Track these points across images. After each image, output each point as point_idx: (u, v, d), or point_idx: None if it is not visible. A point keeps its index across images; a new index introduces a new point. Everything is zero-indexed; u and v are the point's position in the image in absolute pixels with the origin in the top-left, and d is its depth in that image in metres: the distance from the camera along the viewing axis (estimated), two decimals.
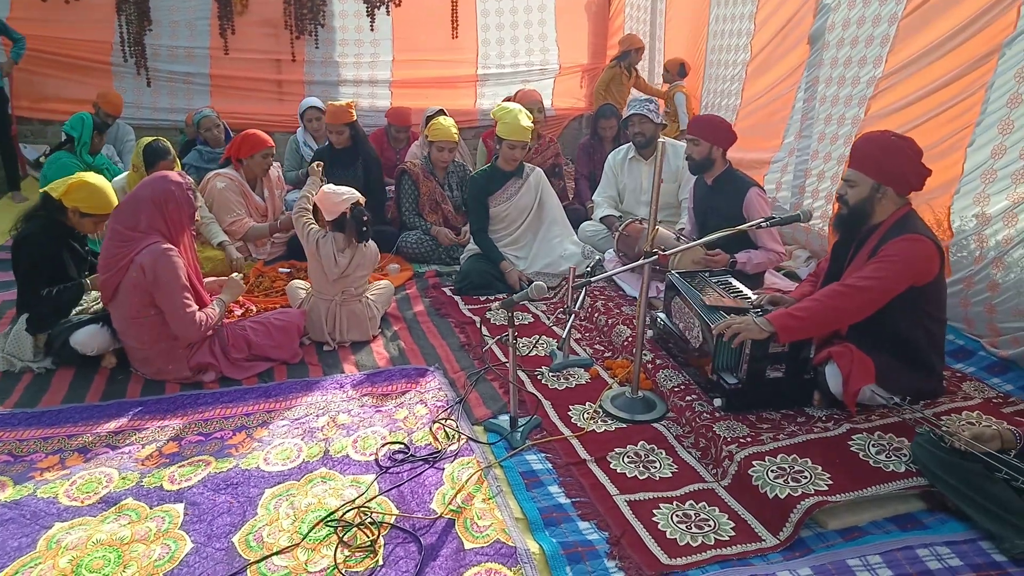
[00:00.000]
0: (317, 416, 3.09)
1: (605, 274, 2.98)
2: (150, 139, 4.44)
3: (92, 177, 3.55)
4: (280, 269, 4.72)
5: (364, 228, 3.74)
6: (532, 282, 4.42)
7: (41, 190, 3.58)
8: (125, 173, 4.62)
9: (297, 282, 4.05)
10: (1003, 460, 2.32)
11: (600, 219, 4.97)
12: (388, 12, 7.58)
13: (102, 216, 3.48)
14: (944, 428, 2.55)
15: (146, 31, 7.11)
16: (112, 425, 3.00)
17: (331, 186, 3.84)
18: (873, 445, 2.71)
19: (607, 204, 5.04)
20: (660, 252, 2.93)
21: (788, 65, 5.17)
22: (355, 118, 5.18)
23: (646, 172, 4.94)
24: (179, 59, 7.26)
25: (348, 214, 3.72)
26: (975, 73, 3.61)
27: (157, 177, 3.35)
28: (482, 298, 4.39)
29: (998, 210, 3.49)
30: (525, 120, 4.36)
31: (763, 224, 3.07)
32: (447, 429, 3.01)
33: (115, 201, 3.51)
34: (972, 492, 2.41)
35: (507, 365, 3.49)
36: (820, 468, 2.60)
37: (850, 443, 2.74)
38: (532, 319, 4.13)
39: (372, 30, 7.60)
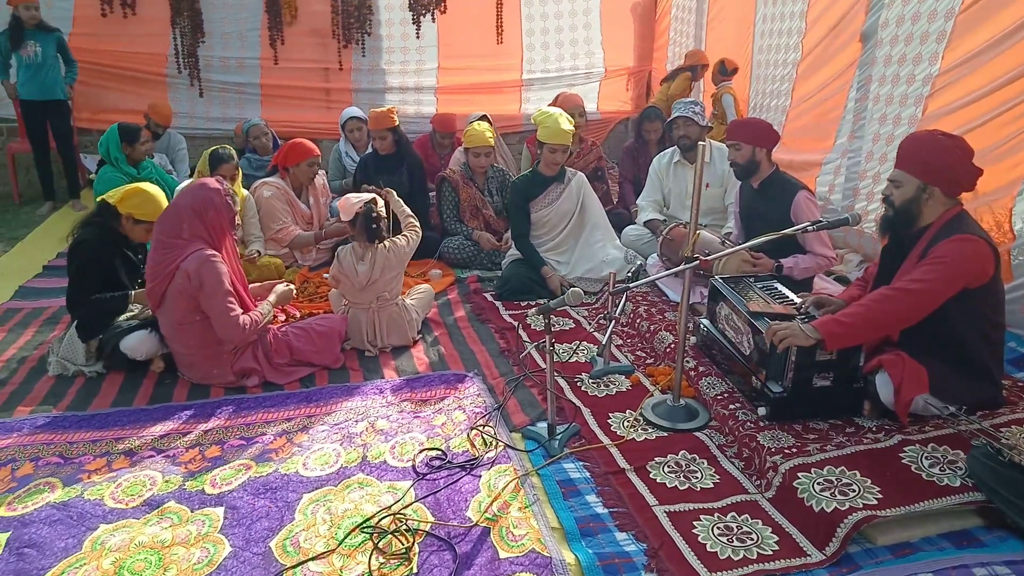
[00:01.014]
0: (356, 421, 3.10)
1: (646, 280, 2.92)
2: (216, 147, 4.58)
3: (147, 185, 3.66)
4: (324, 275, 4.76)
5: (375, 226, 3.72)
6: (572, 287, 4.43)
7: (98, 198, 3.69)
8: (188, 180, 4.74)
9: (334, 292, 4.08)
10: None
11: (644, 223, 4.91)
12: (433, 19, 7.63)
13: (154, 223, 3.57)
14: (1004, 440, 2.43)
15: (199, 43, 7.30)
16: (158, 429, 3.06)
17: (354, 194, 3.87)
18: (926, 458, 2.60)
19: (651, 208, 4.97)
20: (702, 257, 2.86)
21: (839, 64, 5.02)
22: (397, 123, 5.22)
23: (691, 176, 4.84)
24: (231, 70, 7.43)
25: (360, 213, 3.72)
26: None
27: (195, 185, 3.41)
28: (523, 303, 4.37)
29: None
30: (565, 124, 4.33)
31: (809, 228, 2.98)
32: (485, 436, 2.99)
33: (160, 205, 3.60)
34: None
35: (546, 371, 3.49)
36: (869, 481, 2.49)
37: (902, 455, 2.63)
38: (573, 324, 4.09)
39: (418, 37, 7.66)
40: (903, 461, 2.60)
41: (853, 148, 4.70)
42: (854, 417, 2.91)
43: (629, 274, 3.70)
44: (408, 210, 4.06)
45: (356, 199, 3.76)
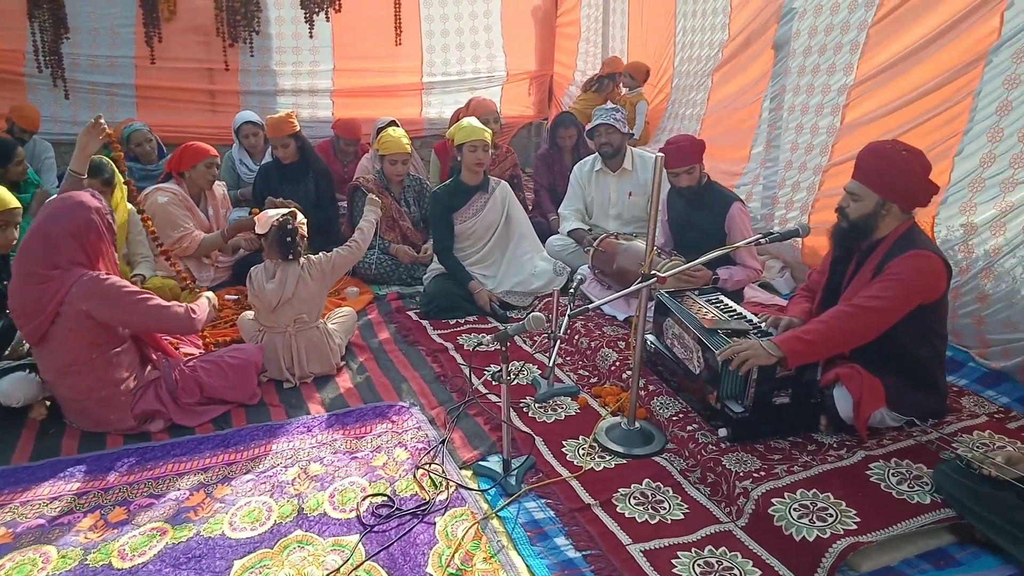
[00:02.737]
0: (286, 467, 2.76)
1: (603, 301, 2.74)
2: (97, 157, 4.02)
3: None
4: (227, 296, 4.33)
5: (288, 239, 3.39)
6: (501, 302, 4.24)
7: None
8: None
9: (249, 313, 3.68)
10: None
11: (568, 233, 4.75)
12: (327, 18, 7.22)
13: (2, 215, 3.06)
14: (970, 454, 2.42)
15: (63, 39, 6.56)
16: (46, 490, 2.60)
17: (274, 208, 3.52)
18: (893, 474, 2.56)
19: (574, 217, 4.82)
20: (659, 274, 2.71)
21: (754, 73, 5.07)
22: (298, 128, 4.84)
23: (614, 184, 4.74)
24: (101, 69, 6.72)
25: (274, 226, 3.39)
26: (960, 80, 3.53)
27: (70, 205, 2.88)
28: (451, 321, 4.11)
29: (985, 219, 3.42)
30: (479, 122, 4.16)
31: (763, 240, 2.90)
32: (433, 475, 2.72)
33: (9, 196, 3.09)
34: (1006, 523, 2.27)
35: (491, 398, 3.26)
36: (844, 504, 2.42)
37: (868, 472, 2.59)
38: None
39: (311, 37, 7.22)
40: (871, 479, 2.55)
41: (770, 157, 4.74)
42: (812, 433, 2.86)
43: (572, 290, 3.52)
44: (364, 222, 3.76)
45: (275, 212, 3.39)
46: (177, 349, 3.41)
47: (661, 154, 2.65)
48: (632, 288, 2.73)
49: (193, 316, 3.07)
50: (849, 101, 4.15)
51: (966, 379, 3.36)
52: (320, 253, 3.55)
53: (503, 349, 2.54)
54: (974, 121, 3.48)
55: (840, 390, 2.77)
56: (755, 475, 2.58)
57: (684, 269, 2.88)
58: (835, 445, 2.77)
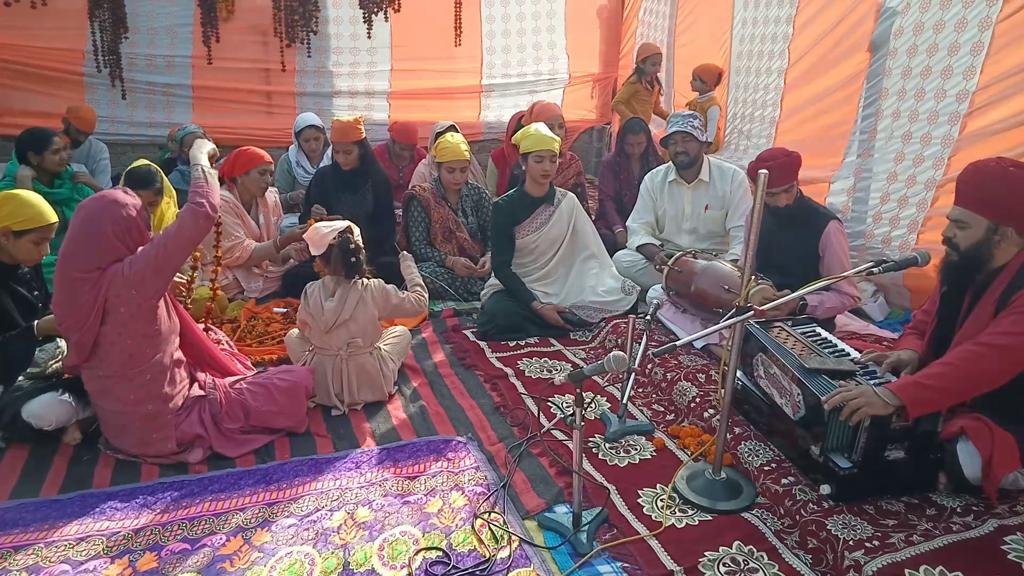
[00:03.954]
0: (331, 511, 2.49)
1: (688, 339, 2.39)
2: (139, 163, 3.86)
3: (15, 191, 2.98)
4: (275, 309, 4.12)
5: (353, 259, 3.16)
6: (574, 314, 3.91)
7: None
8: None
9: (297, 331, 3.44)
10: None
11: (638, 248, 4.42)
12: (386, 18, 7.02)
13: (39, 231, 2.89)
14: None
15: (122, 39, 6.49)
16: (74, 529, 2.38)
17: (325, 222, 3.27)
18: None
19: (644, 231, 4.48)
20: (757, 308, 2.36)
21: (842, 73, 4.65)
22: (364, 136, 4.60)
23: (688, 196, 4.39)
24: (158, 69, 6.64)
25: (335, 243, 3.15)
26: None
27: (108, 204, 2.67)
28: (511, 344, 3.81)
29: None
30: (548, 131, 3.84)
31: (876, 270, 2.51)
32: (493, 527, 2.42)
33: (49, 211, 2.92)
34: None
35: (556, 434, 2.96)
36: None
37: (1005, 548, 2.20)
38: (571, 368, 3.56)
39: (369, 37, 7.03)
40: (1009, 557, 2.16)
41: (866, 167, 4.31)
42: (929, 493, 2.47)
43: (648, 316, 3.19)
44: (418, 277, 3.53)
45: (327, 228, 3.15)
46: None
47: (765, 171, 2.30)
48: (725, 323, 2.39)
49: (203, 206, 2.77)
50: (972, 109, 3.71)
51: None
52: (392, 286, 3.31)
53: (578, 391, 2.23)
54: None
55: (966, 445, 2.39)
56: (867, 544, 2.22)
57: (785, 302, 2.52)
58: (959, 510, 2.38)
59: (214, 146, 3.06)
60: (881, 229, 4.15)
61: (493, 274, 4.13)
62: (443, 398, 3.30)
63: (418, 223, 4.51)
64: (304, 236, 3.28)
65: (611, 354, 2.17)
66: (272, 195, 4.56)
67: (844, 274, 2.54)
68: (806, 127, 5.04)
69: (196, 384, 2.94)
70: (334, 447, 2.91)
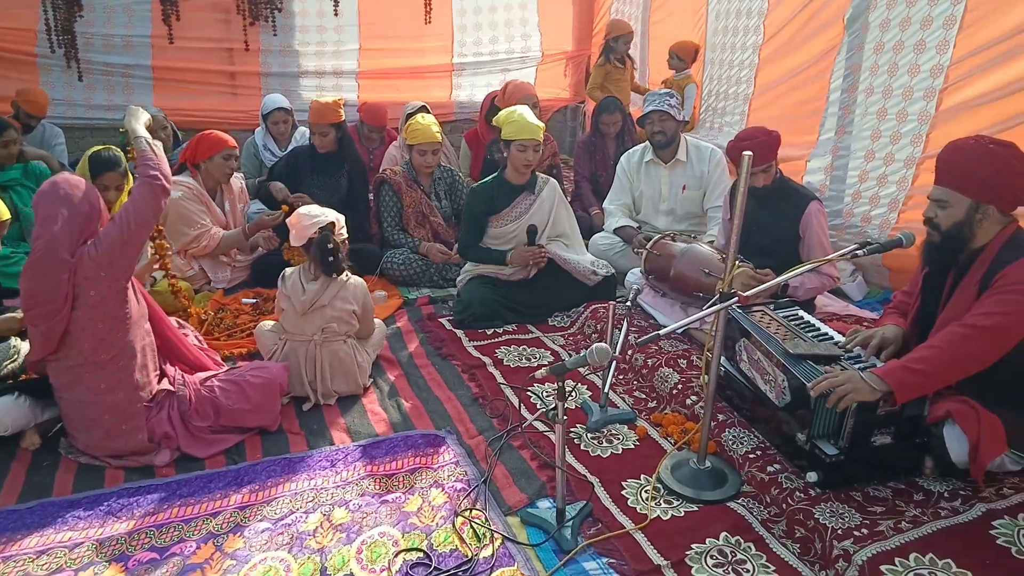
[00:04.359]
0: (306, 513, 2.40)
1: (673, 327, 2.32)
2: (100, 147, 3.69)
3: None
4: (243, 300, 3.99)
5: (331, 258, 3.06)
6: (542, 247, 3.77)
7: None
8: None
9: (267, 323, 3.32)
10: None
11: (615, 230, 4.34)
12: None
13: None
14: None
15: (77, 17, 6.21)
16: (33, 542, 2.26)
17: (310, 207, 3.15)
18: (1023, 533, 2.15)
19: (621, 213, 4.41)
20: (741, 294, 2.30)
21: (815, 49, 4.58)
22: (343, 118, 4.45)
23: (666, 177, 4.32)
24: (116, 49, 6.37)
25: (315, 238, 3.05)
26: None
27: (78, 183, 2.59)
28: (488, 331, 3.73)
29: None
30: (532, 117, 3.71)
31: (860, 252, 2.45)
32: (474, 524, 2.35)
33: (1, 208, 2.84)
34: None
35: (537, 426, 2.89)
36: (971, 575, 2.02)
37: (993, 533, 2.18)
38: (551, 358, 3.49)
39: (336, 15, 6.83)
40: (998, 543, 2.14)
41: (843, 144, 4.26)
42: (916, 478, 2.45)
43: (628, 303, 3.12)
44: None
45: (310, 220, 3.03)
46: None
47: (749, 152, 2.22)
48: (709, 311, 2.32)
49: (157, 178, 2.65)
50: (948, 84, 3.66)
51: None
52: (376, 293, 3.26)
53: (560, 384, 2.16)
54: None
55: (952, 429, 2.36)
56: (856, 533, 2.18)
57: (769, 287, 2.46)
58: (946, 495, 2.36)
59: (148, 116, 2.91)
60: (861, 208, 4.11)
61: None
62: (420, 390, 3.21)
63: (390, 208, 4.39)
64: (288, 221, 3.16)
65: (593, 346, 2.09)
66: (238, 181, 4.41)
67: (829, 257, 2.48)
68: (779, 104, 4.98)
69: (165, 379, 2.82)
70: (308, 444, 2.82)
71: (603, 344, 2.10)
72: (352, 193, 4.47)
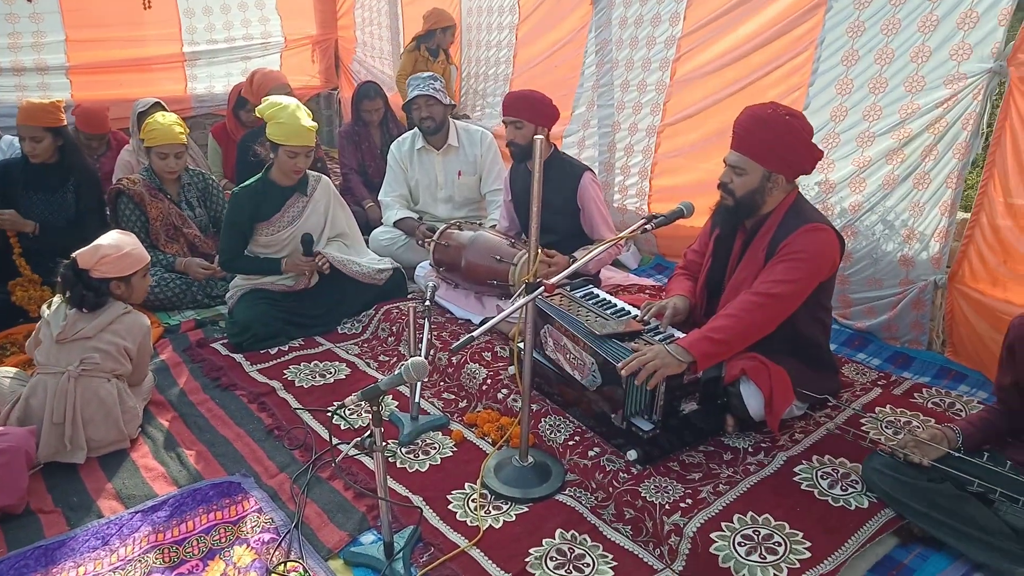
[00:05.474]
0: None
1: (487, 326, 2.17)
2: None
3: None
4: None
5: (74, 287, 2.64)
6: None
7: None
8: None
9: (8, 369, 2.74)
10: (974, 468, 2.05)
11: (395, 224, 4.13)
12: None
13: None
14: (892, 444, 2.27)
15: None
16: None
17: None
18: (821, 476, 2.34)
19: (399, 204, 4.21)
20: (546, 283, 2.21)
21: (569, 27, 4.68)
22: (64, 122, 3.73)
23: (440, 163, 4.18)
24: None
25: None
26: (800, 29, 3.36)
27: None
28: (273, 351, 3.36)
29: (843, 176, 3.30)
30: (306, 118, 3.32)
31: (649, 227, 2.48)
32: None
33: None
34: (946, 517, 2.11)
35: (344, 449, 2.63)
36: (787, 526, 2.15)
37: (797, 479, 2.34)
38: (349, 371, 3.22)
39: (29, 2, 5.80)
40: (803, 487, 2.30)
41: (597, 118, 4.40)
42: (720, 437, 2.56)
43: (427, 302, 2.94)
44: None
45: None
46: None
47: (540, 137, 2.13)
48: (518, 304, 2.21)
49: None
50: (679, 55, 3.88)
51: (834, 343, 3.25)
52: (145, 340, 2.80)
53: (375, 409, 1.93)
54: (818, 73, 3.34)
55: (748, 386, 2.49)
56: (682, 505, 2.23)
57: (570, 272, 2.40)
58: (751, 449, 2.50)
59: None
60: (617, 178, 4.28)
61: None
62: (202, 432, 2.79)
63: (132, 223, 3.78)
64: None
65: (408, 361, 1.90)
66: None
67: (622, 235, 2.47)
68: (537, 83, 5.02)
69: None
70: (68, 523, 2.32)
71: (419, 358, 1.91)
72: (82, 211, 3.81)
